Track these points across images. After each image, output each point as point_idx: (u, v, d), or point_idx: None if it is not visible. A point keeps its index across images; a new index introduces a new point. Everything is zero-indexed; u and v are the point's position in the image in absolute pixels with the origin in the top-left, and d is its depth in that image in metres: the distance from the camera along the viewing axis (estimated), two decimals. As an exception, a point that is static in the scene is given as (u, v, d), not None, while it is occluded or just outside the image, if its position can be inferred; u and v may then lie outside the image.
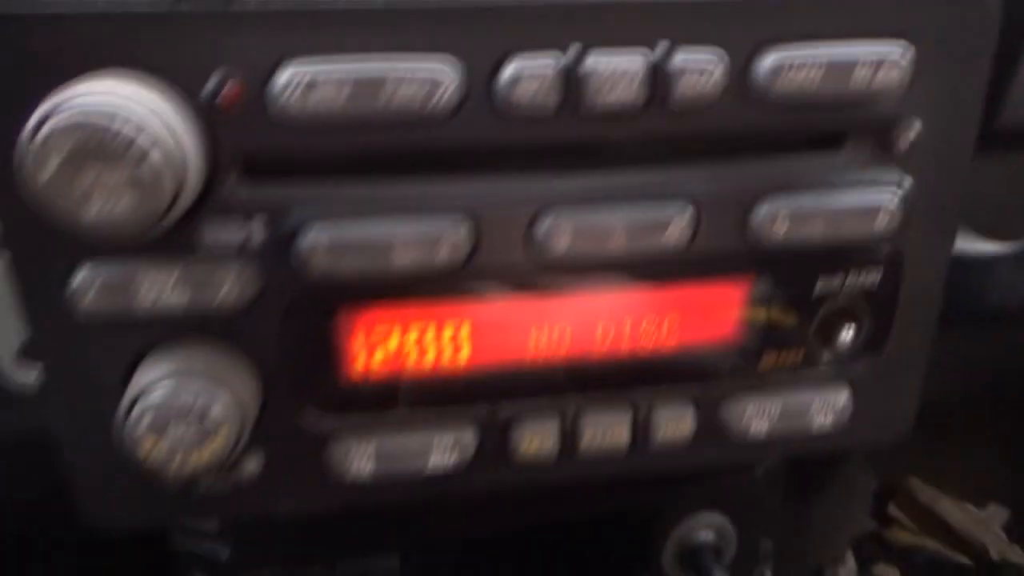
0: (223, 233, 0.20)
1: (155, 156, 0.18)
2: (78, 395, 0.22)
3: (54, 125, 0.17)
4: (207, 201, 0.20)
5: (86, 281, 0.20)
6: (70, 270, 0.20)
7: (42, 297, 0.21)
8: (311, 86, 0.19)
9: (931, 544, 1.16)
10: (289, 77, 0.19)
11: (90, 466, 0.22)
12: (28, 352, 0.24)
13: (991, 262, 0.36)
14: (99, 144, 0.17)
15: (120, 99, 0.18)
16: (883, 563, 1.16)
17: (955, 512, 1.19)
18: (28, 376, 0.25)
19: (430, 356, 0.24)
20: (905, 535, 1.18)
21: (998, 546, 1.16)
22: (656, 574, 0.46)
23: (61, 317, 0.21)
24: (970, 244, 0.38)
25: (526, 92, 0.20)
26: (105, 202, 0.18)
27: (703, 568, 0.45)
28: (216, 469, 0.21)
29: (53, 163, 0.17)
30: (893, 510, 1.19)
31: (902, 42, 0.22)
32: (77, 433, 0.22)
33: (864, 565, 1.15)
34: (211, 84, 0.19)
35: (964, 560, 1.13)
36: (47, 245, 0.20)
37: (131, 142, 0.17)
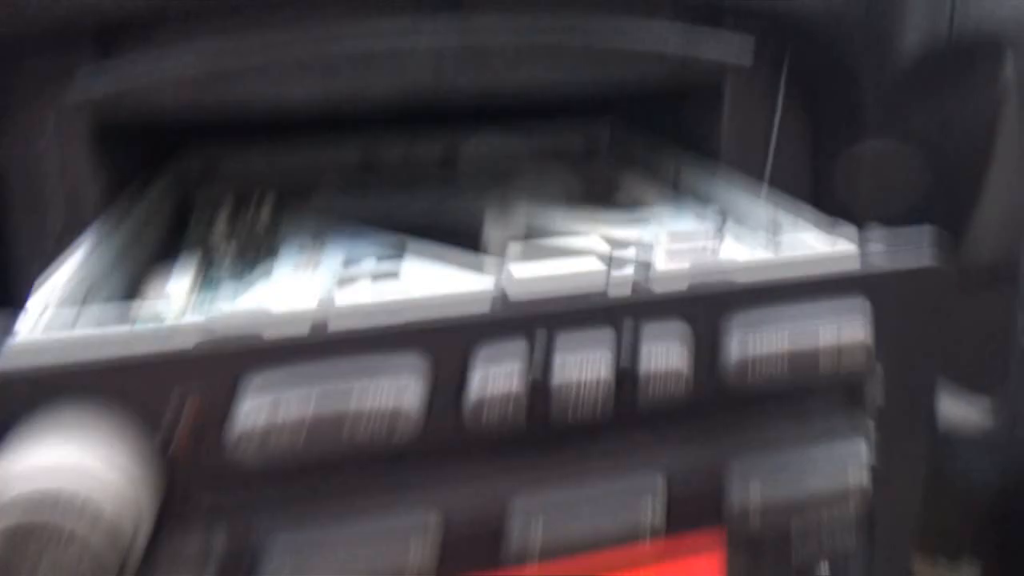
0: (186, 547, 0.20)
1: (96, 540, 0.17)
2: None
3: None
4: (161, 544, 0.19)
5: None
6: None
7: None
8: (265, 432, 0.19)
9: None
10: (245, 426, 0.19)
11: None
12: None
13: (960, 432, 0.36)
14: (41, 530, 0.17)
15: (65, 474, 0.17)
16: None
17: (927, 571, 1.19)
18: None
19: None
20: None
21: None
22: None
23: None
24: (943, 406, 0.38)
25: (492, 404, 0.20)
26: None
27: None
28: None
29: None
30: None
31: (861, 321, 0.22)
32: None
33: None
34: (164, 430, 0.19)
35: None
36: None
37: (71, 532, 0.17)
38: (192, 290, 0.29)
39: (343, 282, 0.29)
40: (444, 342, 0.20)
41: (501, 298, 0.21)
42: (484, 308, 0.20)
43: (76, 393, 0.18)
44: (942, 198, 0.38)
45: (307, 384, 0.19)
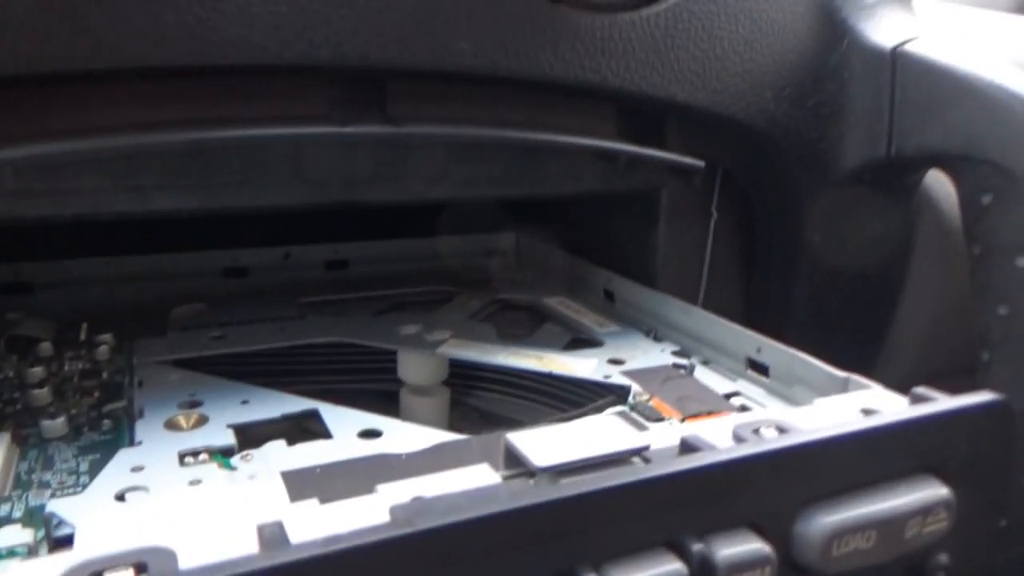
0: None
1: None
2: None
3: None
4: None
5: None
6: None
7: None
8: None
9: None
10: None
11: None
12: None
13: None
14: None
15: None
16: None
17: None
18: None
19: None
20: None
21: None
22: None
23: None
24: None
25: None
26: None
27: None
28: None
29: None
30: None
31: (939, 484, 0.18)
32: None
33: None
34: None
35: None
36: None
37: None
38: (9, 463, 0.20)
39: (242, 449, 0.21)
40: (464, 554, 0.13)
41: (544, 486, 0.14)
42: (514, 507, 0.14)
43: None
44: (863, 310, 0.38)
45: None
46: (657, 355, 0.29)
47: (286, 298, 0.35)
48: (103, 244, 0.33)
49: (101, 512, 0.17)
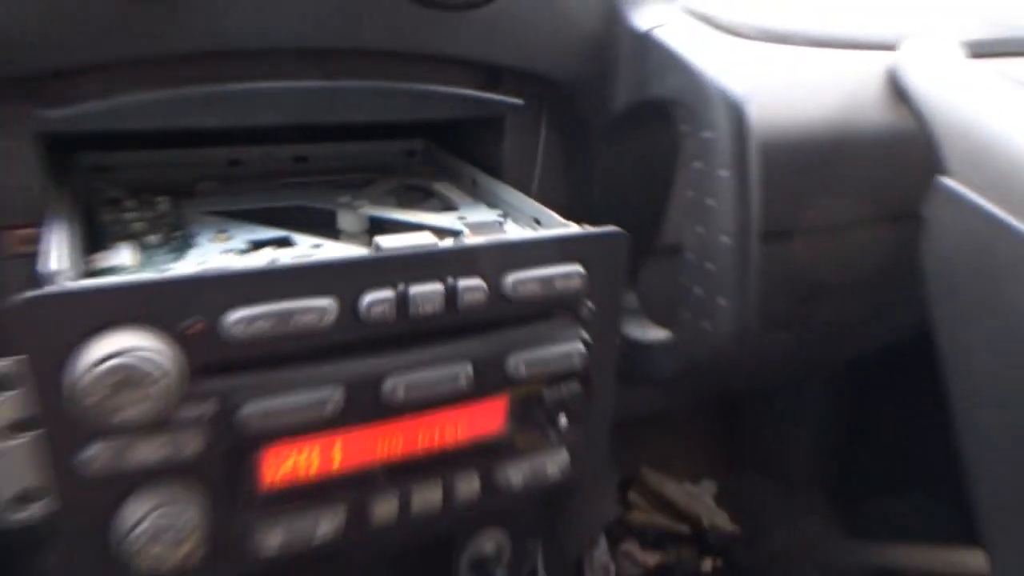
0: (189, 412, 0.33)
1: (161, 385, 0.30)
2: (83, 525, 0.32)
3: (102, 371, 0.29)
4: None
5: (99, 451, 0.31)
6: (86, 443, 0.31)
7: (65, 461, 0.31)
8: (243, 322, 0.32)
9: (661, 520, 1.46)
10: (233, 319, 0.32)
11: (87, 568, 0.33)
12: (28, 496, 0.34)
13: (653, 346, 0.56)
14: (130, 379, 0.29)
15: (127, 352, 0.29)
16: (627, 541, 1.43)
17: (677, 491, 1.50)
18: (24, 515, 0.34)
19: (314, 466, 0.37)
20: (642, 515, 1.47)
21: (708, 515, 1.49)
22: (454, 581, 0.62)
23: (74, 474, 0.31)
24: (643, 332, 0.58)
25: (375, 312, 0.35)
26: (128, 410, 0.30)
27: (487, 572, 0.62)
28: (184, 562, 0.33)
29: (101, 390, 0.29)
30: (632, 496, 1.48)
31: (579, 266, 0.40)
32: (77, 550, 0.33)
33: (614, 544, 1.42)
34: (185, 323, 0.32)
35: (685, 529, 1.44)
36: (78, 431, 0.31)
37: (147, 376, 0.29)
38: (136, 258, 0.41)
39: (251, 251, 0.42)
40: (349, 276, 0.35)
41: (379, 253, 0.36)
42: (368, 257, 0.35)
43: (123, 310, 0.31)
44: (641, 203, 0.59)
45: (272, 301, 0.33)
46: (488, 215, 0.50)
47: (268, 179, 0.55)
48: (154, 142, 0.53)
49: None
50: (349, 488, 0.38)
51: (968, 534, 0.69)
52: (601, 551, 1.40)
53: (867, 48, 0.72)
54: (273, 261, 0.34)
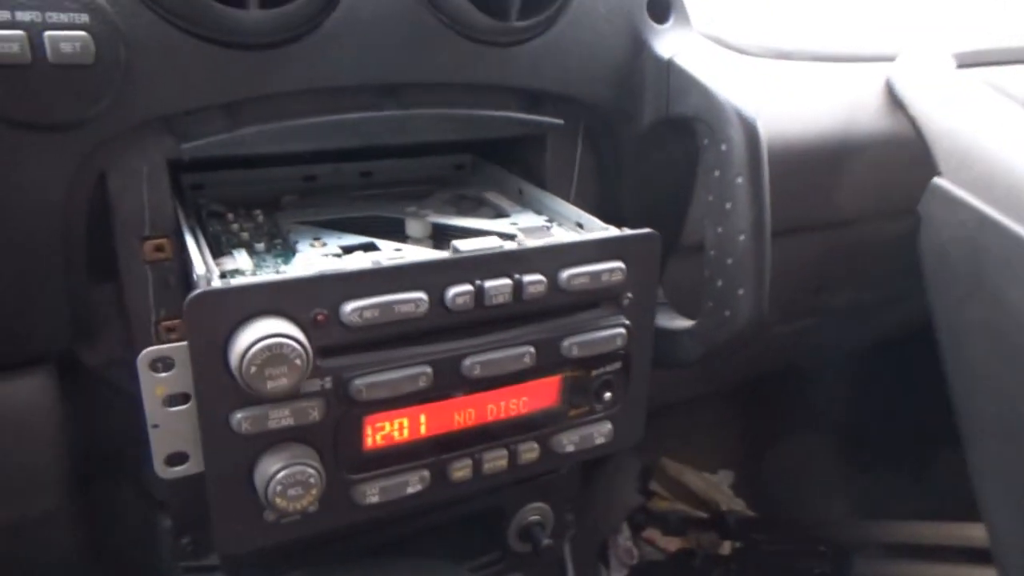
0: (313, 386, 0.40)
1: (299, 361, 0.38)
2: (230, 476, 0.40)
3: (259, 348, 0.37)
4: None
5: (247, 415, 0.39)
6: (235, 410, 0.39)
7: (216, 426, 0.39)
8: (357, 311, 0.40)
9: (681, 507, 1.54)
10: (349, 308, 0.40)
11: (230, 509, 0.41)
12: (176, 459, 0.42)
13: (680, 333, 0.64)
14: (277, 358, 0.37)
15: (277, 335, 0.37)
16: (649, 528, 1.51)
17: (696, 480, 1.57)
18: (172, 473, 0.42)
19: (405, 433, 0.45)
20: (663, 503, 1.55)
21: (726, 501, 1.56)
22: (504, 547, 0.70)
23: (226, 434, 0.39)
24: (670, 321, 0.66)
25: (458, 303, 0.43)
26: (278, 381, 0.37)
27: (534, 537, 0.69)
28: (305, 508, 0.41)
29: (258, 364, 0.37)
30: (653, 484, 1.55)
31: (620, 263, 0.48)
32: (224, 496, 0.41)
33: (636, 530, 1.50)
34: (311, 314, 0.39)
35: (703, 515, 1.51)
36: (228, 400, 0.39)
37: (291, 352, 0.37)
38: (251, 262, 0.48)
39: (345, 255, 0.49)
40: (437, 273, 0.42)
41: (459, 254, 0.43)
42: (452, 258, 0.43)
43: (266, 302, 0.38)
44: (665, 206, 0.67)
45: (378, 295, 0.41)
46: (536, 220, 0.58)
47: (339, 192, 0.63)
48: (241, 162, 0.61)
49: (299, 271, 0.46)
50: (432, 452, 0.46)
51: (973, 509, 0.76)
52: (624, 536, 1.47)
53: (863, 61, 0.80)
54: (376, 263, 0.42)
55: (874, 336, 1.28)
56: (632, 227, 0.54)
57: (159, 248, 0.48)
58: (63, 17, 0.40)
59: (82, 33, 0.40)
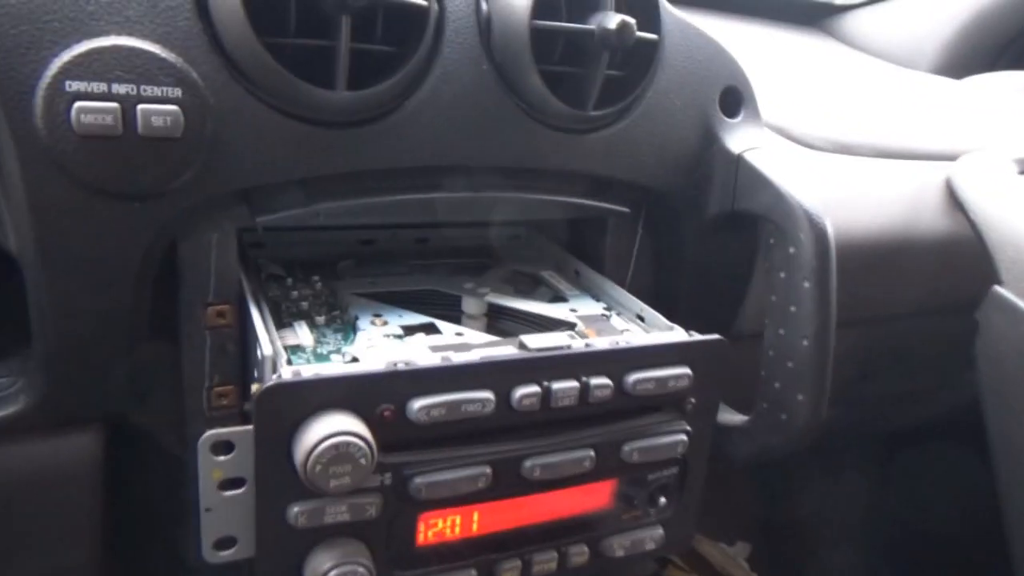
0: (373, 482, 0.39)
1: (364, 460, 0.37)
2: (281, 566, 0.39)
3: (326, 447, 0.36)
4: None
5: (304, 509, 0.38)
6: (293, 503, 0.38)
7: (272, 517, 0.38)
8: (424, 410, 0.39)
9: (695, 579, 1.49)
10: (417, 406, 0.39)
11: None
12: (224, 543, 0.41)
13: (731, 429, 0.62)
14: (343, 456, 0.36)
15: (345, 433, 0.36)
16: (663, 598, 1.46)
17: (712, 551, 1.54)
18: (220, 558, 0.41)
19: (457, 531, 0.44)
20: (678, 573, 1.51)
21: (742, 575, 1.52)
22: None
23: (282, 525, 0.38)
24: (721, 415, 0.64)
25: (524, 404, 0.42)
26: (341, 479, 0.36)
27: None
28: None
29: (324, 461, 0.36)
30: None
31: (687, 368, 0.47)
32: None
33: (649, 600, 1.45)
34: (378, 410, 0.39)
35: (719, 590, 1.46)
36: (287, 492, 0.38)
37: (358, 452, 0.36)
38: (311, 337, 0.48)
39: (406, 336, 0.49)
40: (505, 373, 0.41)
41: (527, 353, 0.43)
42: (521, 357, 0.42)
43: (335, 396, 0.38)
44: (720, 295, 0.66)
45: (444, 393, 0.40)
46: (595, 308, 0.57)
47: (396, 259, 0.62)
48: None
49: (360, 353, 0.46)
50: (481, 550, 0.45)
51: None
52: (638, 606, 1.44)
53: (925, 159, 0.79)
54: (446, 359, 0.41)
55: (906, 422, 1.26)
56: (686, 314, 0.53)
57: (221, 314, 0.48)
58: (157, 91, 0.40)
59: (173, 107, 0.40)
